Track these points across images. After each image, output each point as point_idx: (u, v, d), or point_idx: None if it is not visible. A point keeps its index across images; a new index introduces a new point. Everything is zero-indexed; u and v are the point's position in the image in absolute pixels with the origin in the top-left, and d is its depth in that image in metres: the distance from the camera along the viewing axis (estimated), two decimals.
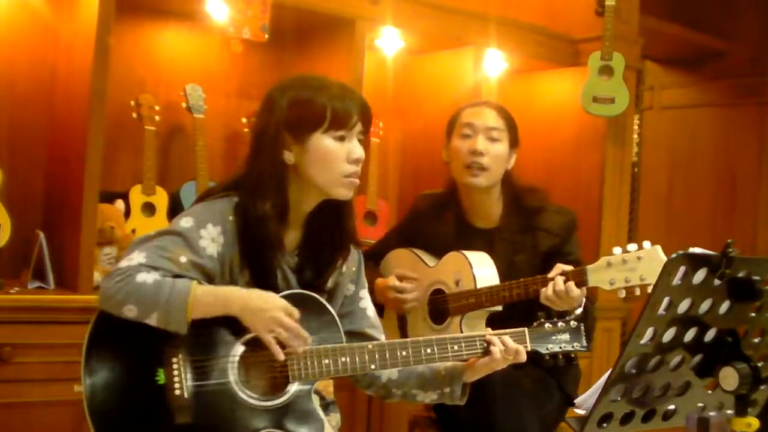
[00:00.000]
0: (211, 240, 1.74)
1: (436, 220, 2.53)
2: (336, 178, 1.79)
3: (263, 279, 1.79)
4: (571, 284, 2.15)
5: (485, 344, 1.86)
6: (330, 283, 1.91)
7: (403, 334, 2.53)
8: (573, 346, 1.92)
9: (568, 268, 2.20)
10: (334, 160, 1.78)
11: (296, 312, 1.71)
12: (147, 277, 1.64)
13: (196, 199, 1.88)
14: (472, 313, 2.35)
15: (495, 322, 2.21)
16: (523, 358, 1.87)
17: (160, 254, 1.68)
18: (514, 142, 2.49)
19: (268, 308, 1.68)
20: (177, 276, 1.68)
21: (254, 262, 1.78)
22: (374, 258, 2.60)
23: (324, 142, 1.77)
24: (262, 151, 1.80)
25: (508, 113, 2.51)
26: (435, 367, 1.93)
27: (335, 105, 1.77)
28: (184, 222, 1.73)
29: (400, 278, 2.47)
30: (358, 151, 1.80)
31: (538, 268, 2.36)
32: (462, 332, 2.33)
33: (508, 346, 1.85)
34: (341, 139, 1.78)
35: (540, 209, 2.46)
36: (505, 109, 2.52)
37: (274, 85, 1.86)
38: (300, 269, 1.86)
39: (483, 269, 2.35)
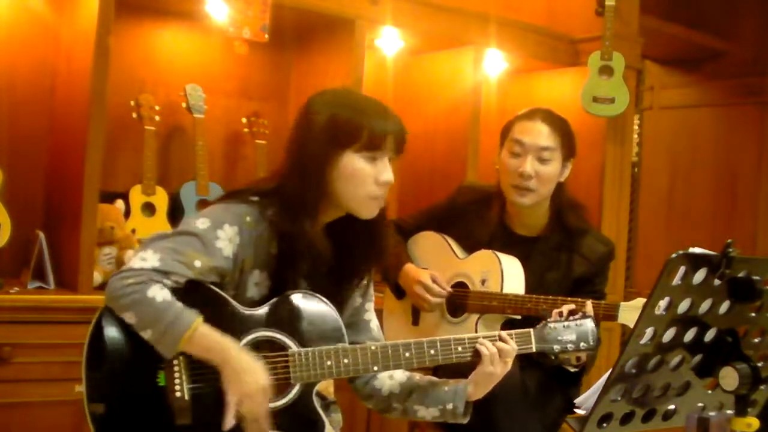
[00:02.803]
0: (228, 240, 1.73)
1: (477, 216, 2.49)
2: (361, 198, 1.79)
3: (279, 283, 1.79)
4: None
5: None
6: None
7: (416, 319, 2.53)
8: (580, 346, 1.89)
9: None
10: (362, 180, 1.77)
11: (269, 393, 1.67)
12: (158, 294, 1.63)
13: (216, 199, 1.85)
14: (490, 315, 2.34)
15: (511, 327, 2.20)
16: (511, 349, 1.85)
17: (174, 258, 1.67)
18: (568, 155, 2.42)
19: (248, 379, 1.65)
20: (190, 282, 1.68)
21: (282, 270, 1.78)
22: (404, 235, 2.58)
23: (355, 161, 1.76)
24: (307, 171, 1.77)
25: (562, 125, 2.42)
26: (438, 382, 1.91)
27: (373, 126, 1.75)
28: (201, 223, 1.72)
29: (434, 279, 2.44)
30: (388, 175, 1.79)
31: (565, 291, 2.35)
32: (477, 331, 2.32)
33: (491, 350, 1.83)
34: (372, 159, 1.77)
35: (583, 232, 2.42)
36: (559, 121, 2.42)
37: (317, 95, 1.83)
38: (310, 275, 1.84)
39: (512, 275, 2.33)
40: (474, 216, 2.50)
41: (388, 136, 1.77)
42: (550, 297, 2.24)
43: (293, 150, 1.81)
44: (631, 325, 2.10)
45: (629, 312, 2.15)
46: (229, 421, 1.65)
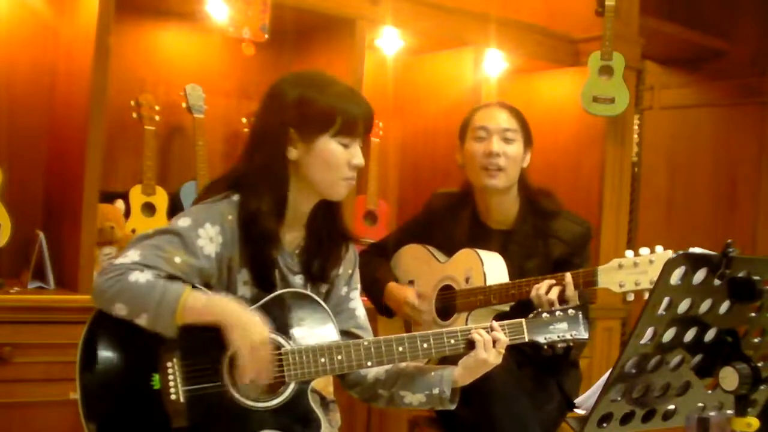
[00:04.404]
0: (209, 240, 1.74)
1: (451, 219, 2.52)
2: (335, 181, 1.81)
3: (262, 277, 1.79)
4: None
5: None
6: (331, 278, 1.91)
7: (408, 327, 2.54)
8: (571, 335, 1.89)
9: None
10: (337, 164, 1.79)
11: (268, 346, 1.70)
12: (140, 277, 1.64)
13: (196, 198, 1.88)
14: (479, 311, 2.34)
15: (502, 320, 2.21)
16: (502, 339, 1.85)
17: (155, 253, 1.68)
18: (528, 142, 2.48)
19: (252, 331, 1.67)
20: (171, 276, 1.68)
21: (253, 260, 1.78)
22: (385, 253, 2.61)
23: (330, 145, 1.79)
24: (265, 145, 1.80)
25: (519, 113, 2.50)
26: (425, 368, 1.91)
27: (346, 111, 1.78)
28: (182, 222, 1.74)
29: (419, 295, 2.46)
30: (360, 159, 1.82)
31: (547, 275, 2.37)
32: None
33: (485, 337, 1.83)
34: (346, 145, 1.80)
35: (555, 214, 2.46)
36: (516, 109, 2.51)
37: (282, 77, 1.85)
38: (303, 270, 1.87)
39: (494, 268, 2.35)
40: (449, 220, 2.53)
41: (360, 122, 1.80)
42: (532, 278, 2.26)
43: (255, 132, 1.84)
44: (612, 288, 2.15)
45: (607, 274, 2.16)
46: (246, 375, 1.67)
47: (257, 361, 1.67)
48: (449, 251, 2.49)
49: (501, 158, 2.40)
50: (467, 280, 2.38)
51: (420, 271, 2.53)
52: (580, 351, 2.29)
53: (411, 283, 2.54)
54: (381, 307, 2.55)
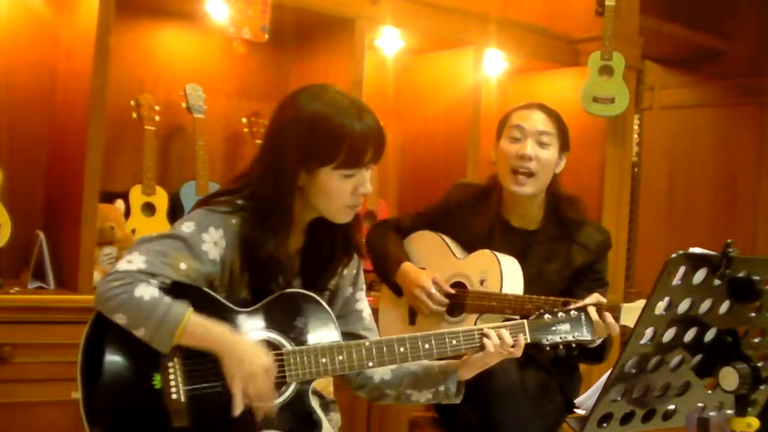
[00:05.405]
0: (214, 244, 1.73)
1: (472, 212, 2.50)
2: (338, 208, 1.80)
3: (262, 283, 1.79)
4: (609, 316, 2.07)
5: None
6: (331, 285, 1.91)
7: (412, 319, 2.52)
8: (574, 336, 1.89)
9: (603, 300, 2.13)
10: (338, 195, 1.77)
11: (274, 371, 1.70)
12: (145, 292, 1.63)
13: (199, 202, 1.86)
14: (489, 315, 2.33)
15: None
16: (518, 353, 1.85)
17: (160, 260, 1.68)
18: (564, 147, 2.45)
19: (248, 360, 1.66)
20: (176, 283, 1.68)
21: (254, 264, 1.78)
22: (401, 233, 2.58)
23: (331, 179, 1.75)
24: (281, 177, 1.76)
25: (558, 116, 2.46)
26: (428, 366, 1.92)
27: (353, 145, 1.73)
28: (186, 227, 1.73)
29: (435, 282, 2.42)
30: (366, 187, 1.79)
31: (567, 281, 2.36)
32: None
33: (504, 340, 1.83)
34: (350, 176, 1.77)
35: (580, 223, 2.44)
36: (555, 112, 2.47)
37: (297, 96, 1.80)
38: (302, 272, 1.87)
39: (512, 276, 2.32)
40: (470, 211, 2.50)
41: (368, 152, 1.76)
42: (551, 297, 2.23)
43: (269, 155, 1.80)
44: (632, 327, 2.11)
45: (631, 313, 2.15)
46: (238, 406, 1.65)
47: (258, 388, 1.66)
48: (466, 244, 2.47)
49: (533, 162, 2.37)
50: (482, 282, 2.36)
51: (432, 260, 2.50)
52: (608, 350, 2.26)
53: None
54: (392, 284, 2.52)
